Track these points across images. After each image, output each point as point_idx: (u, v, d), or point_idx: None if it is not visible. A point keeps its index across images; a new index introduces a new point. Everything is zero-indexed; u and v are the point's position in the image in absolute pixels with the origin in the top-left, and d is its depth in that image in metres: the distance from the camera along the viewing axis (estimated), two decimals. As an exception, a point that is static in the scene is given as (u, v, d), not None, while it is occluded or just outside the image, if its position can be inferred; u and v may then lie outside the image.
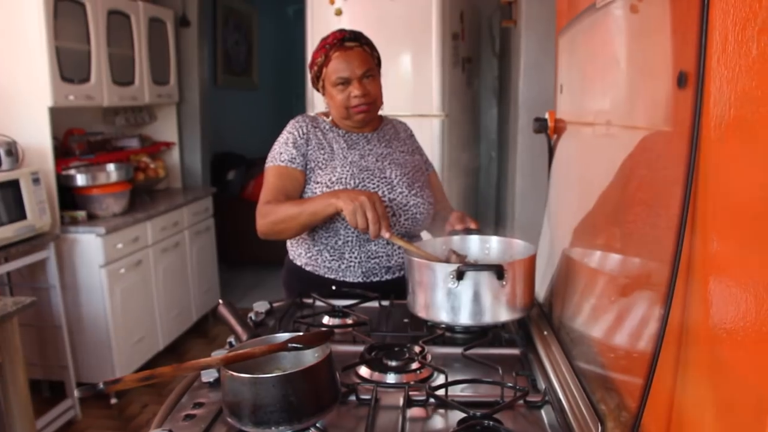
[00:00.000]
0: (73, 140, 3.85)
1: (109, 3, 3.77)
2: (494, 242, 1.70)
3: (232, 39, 6.26)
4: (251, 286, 5.48)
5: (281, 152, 1.85)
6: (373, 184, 1.82)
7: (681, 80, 0.82)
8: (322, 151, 1.85)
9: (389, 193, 1.83)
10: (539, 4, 3.35)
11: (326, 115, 1.96)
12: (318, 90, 1.92)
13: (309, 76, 1.94)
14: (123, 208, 3.77)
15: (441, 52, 3.37)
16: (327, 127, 1.91)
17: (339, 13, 3.34)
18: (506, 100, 4.13)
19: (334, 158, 1.85)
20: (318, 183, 1.81)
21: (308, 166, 1.84)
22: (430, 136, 3.28)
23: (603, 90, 1.31)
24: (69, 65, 3.40)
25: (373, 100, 1.85)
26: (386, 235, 1.57)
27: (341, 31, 1.86)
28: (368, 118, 1.89)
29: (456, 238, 1.73)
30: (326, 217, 1.70)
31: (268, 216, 1.76)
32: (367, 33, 1.88)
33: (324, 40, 1.85)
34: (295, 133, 1.86)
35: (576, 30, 1.52)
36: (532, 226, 1.99)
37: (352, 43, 1.83)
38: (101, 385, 0.96)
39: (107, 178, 3.69)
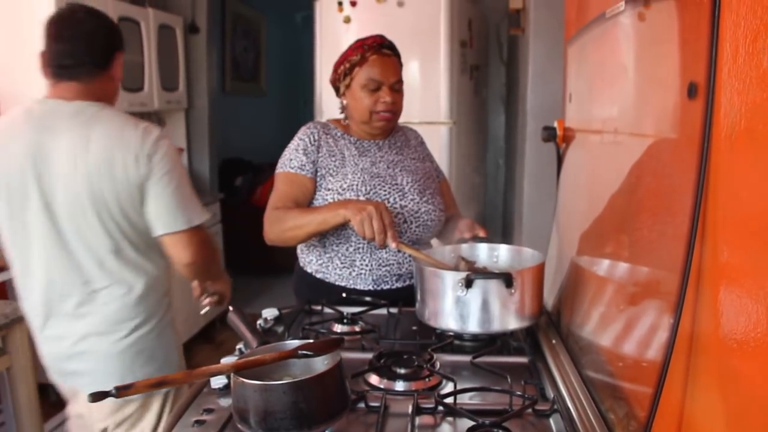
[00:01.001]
0: (83, 146, 3.86)
1: (119, 10, 3.79)
2: (503, 250, 1.71)
3: (240, 46, 6.29)
4: (258, 293, 5.48)
5: (291, 158, 1.85)
6: (385, 191, 1.83)
7: (691, 91, 0.83)
8: (333, 158, 1.86)
9: (400, 200, 1.84)
10: (547, 12, 3.36)
11: (338, 121, 1.96)
12: (337, 88, 1.91)
13: (329, 75, 1.93)
14: (131, 213, 3.77)
15: (449, 60, 3.38)
16: (338, 133, 1.92)
17: (348, 20, 3.36)
18: (514, 107, 4.14)
19: (345, 165, 1.85)
20: (329, 190, 1.82)
21: (319, 173, 1.85)
22: (437, 144, 3.29)
23: (612, 99, 1.31)
24: (79, 72, 3.42)
25: (398, 110, 1.87)
26: (393, 244, 1.58)
27: (381, 36, 1.87)
28: (387, 127, 1.90)
29: (465, 245, 1.74)
30: (334, 226, 1.71)
31: (276, 223, 1.77)
32: (376, 41, 1.90)
33: (362, 40, 1.85)
34: (306, 139, 1.87)
35: (585, 39, 1.52)
36: (540, 234, 1.99)
37: (388, 51, 1.85)
38: (113, 391, 0.96)
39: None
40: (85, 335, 1.72)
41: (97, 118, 1.66)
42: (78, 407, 1.90)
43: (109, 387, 1.00)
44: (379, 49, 1.83)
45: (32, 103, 1.74)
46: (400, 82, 1.86)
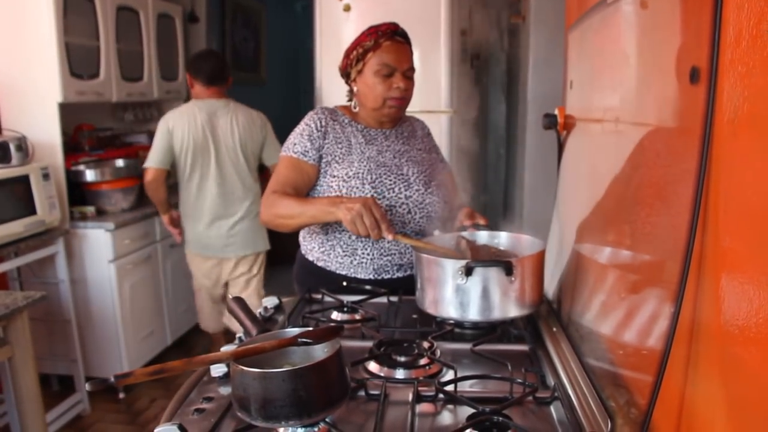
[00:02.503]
0: (83, 136, 3.87)
1: (119, -1, 3.78)
2: (503, 238, 1.70)
3: (240, 35, 6.26)
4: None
5: (295, 143, 1.85)
6: (390, 180, 1.82)
7: (693, 76, 0.82)
8: (340, 146, 1.85)
9: (405, 190, 1.83)
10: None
11: (345, 108, 1.95)
12: (348, 73, 1.90)
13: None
14: (131, 203, 3.78)
15: (449, 48, 3.36)
16: (346, 120, 1.91)
17: (347, 9, 3.34)
18: (515, 96, 4.12)
19: (351, 153, 1.85)
20: (335, 177, 1.81)
21: (324, 160, 1.84)
22: (438, 133, 3.26)
23: (613, 86, 1.30)
24: (78, 61, 3.42)
25: (409, 97, 1.87)
26: (389, 236, 1.57)
27: (394, 24, 1.87)
28: (398, 114, 1.90)
29: (465, 233, 1.73)
30: (325, 222, 1.76)
31: (272, 208, 1.78)
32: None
33: (375, 27, 1.85)
34: (312, 125, 1.86)
35: (586, 26, 1.51)
36: (541, 222, 1.98)
37: (401, 38, 1.85)
38: (112, 379, 0.96)
39: (116, 174, 3.70)
40: (235, 223, 3.41)
41: (237, 108, 3.39)
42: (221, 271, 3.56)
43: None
44: (392, 36, 1.83)
45: (195, 101, 3.35)
46: (412, 69, 1.86)
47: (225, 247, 3.45)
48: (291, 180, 1.82)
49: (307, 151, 1.83)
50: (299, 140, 1.85)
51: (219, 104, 3.33)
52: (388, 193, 1.81)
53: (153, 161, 3.30)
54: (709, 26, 0.75)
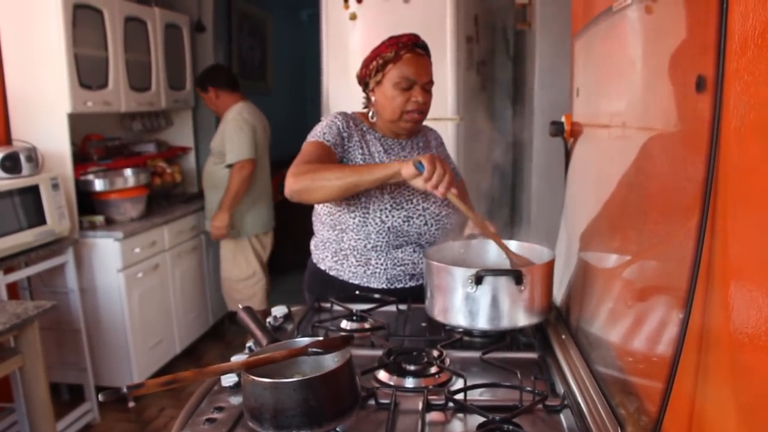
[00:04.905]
0: (91, 146, 3.89)
1: (126, 10, 3.81)
2: (513, 247, 1.70)
3: (246, 44, 6.28)
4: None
5: (325, 132, 1.82)
6: (408, 191, 1.82)
7: (699, 84, 0.82)
8: (361, 152, 1.84)
9: (423, 201, 1.83)
10: (553, 7, 3.34)
11: (363, 115, 1.94)
12: (366, 83, 1.89)
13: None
14: (140, 212, 3.80)
15: (455, 56, 3.37)
16: (365, 128, 1.90)
17: (354, 17, 3.35)
18: (521, 103, 4.13)
19: (373, 161, 1.84)
20: None
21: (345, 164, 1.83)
22: (445, 140, 3.27)
23: (620, 94, 1.30)
24: (87, 72, 3.44)
25: (427, 110, 1.86)
26: (453, 193, 1.55)
27: (415, 35, 1.85)
28: (414, 128, 1.90)
29: (475, 241, 1.74)
30: (377, 181, 1.61)
31: (308, 173, 1.66)
32: (382, 37, 1.88)
33: (396, 38, 1.83)
34: (339, 124, 1.84)
35: (592, 33, 1.52)
36: (549, 229, 1.98)
37: (422, 51, 1.84)
38: (125, 390, 0.97)
39: (125, 183, 3.72)
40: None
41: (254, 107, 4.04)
42: None
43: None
44: (413, 48, 1.82)
45: (243, 103, 3.93)
46: (431, 82, 1.85)
47: (271, 220, 4.16)
48: (322, 158, 1.74)
49: (337, 145, 1.81)
50: (328, 131, 1.82)
51: (250, 103, 3.99)
52: (407, 204, 1.81)
53: (248, 153, 3.76)
54: (715, 35, 0.75)
